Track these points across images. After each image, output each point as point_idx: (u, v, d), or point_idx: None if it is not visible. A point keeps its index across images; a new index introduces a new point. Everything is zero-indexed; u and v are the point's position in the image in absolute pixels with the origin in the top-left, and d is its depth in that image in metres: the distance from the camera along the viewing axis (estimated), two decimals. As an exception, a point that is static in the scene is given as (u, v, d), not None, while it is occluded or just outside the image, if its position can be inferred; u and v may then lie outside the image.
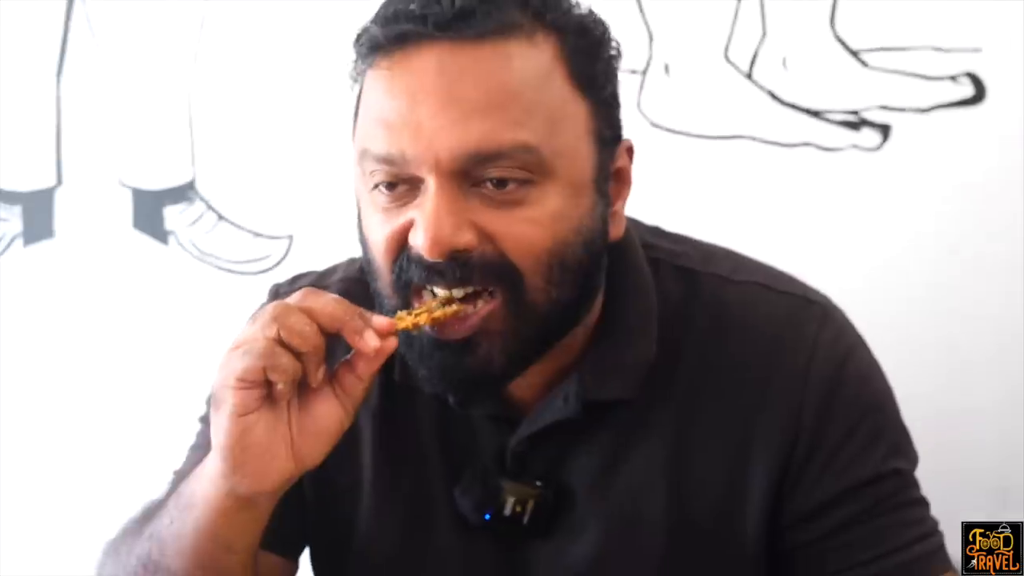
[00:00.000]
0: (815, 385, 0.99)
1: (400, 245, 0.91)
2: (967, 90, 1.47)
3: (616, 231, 0.97)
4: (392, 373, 1.04)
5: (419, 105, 0.87)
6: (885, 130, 1.51)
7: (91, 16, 1.70)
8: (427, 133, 0.87)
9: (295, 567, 1.13)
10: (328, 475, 1.04)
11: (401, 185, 0.89)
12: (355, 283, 1.10)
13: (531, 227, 0.89)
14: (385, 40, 0.88)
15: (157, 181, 1.74)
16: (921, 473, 1.23)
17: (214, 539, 0.94)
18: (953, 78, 1.47)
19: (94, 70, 1.72)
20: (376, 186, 0.90)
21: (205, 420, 1.10)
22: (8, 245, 1.75)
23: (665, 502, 1.00)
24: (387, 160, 0.88)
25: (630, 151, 0.99)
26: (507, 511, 1.01)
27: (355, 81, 0.95)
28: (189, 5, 1.66)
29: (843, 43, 1.51)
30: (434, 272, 0.89)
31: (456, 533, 1.04)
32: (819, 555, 0.99)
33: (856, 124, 1.52)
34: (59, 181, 1.74)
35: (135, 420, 1.64)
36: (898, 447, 1.02)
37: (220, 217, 1.71)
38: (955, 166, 1.47)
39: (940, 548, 1.02)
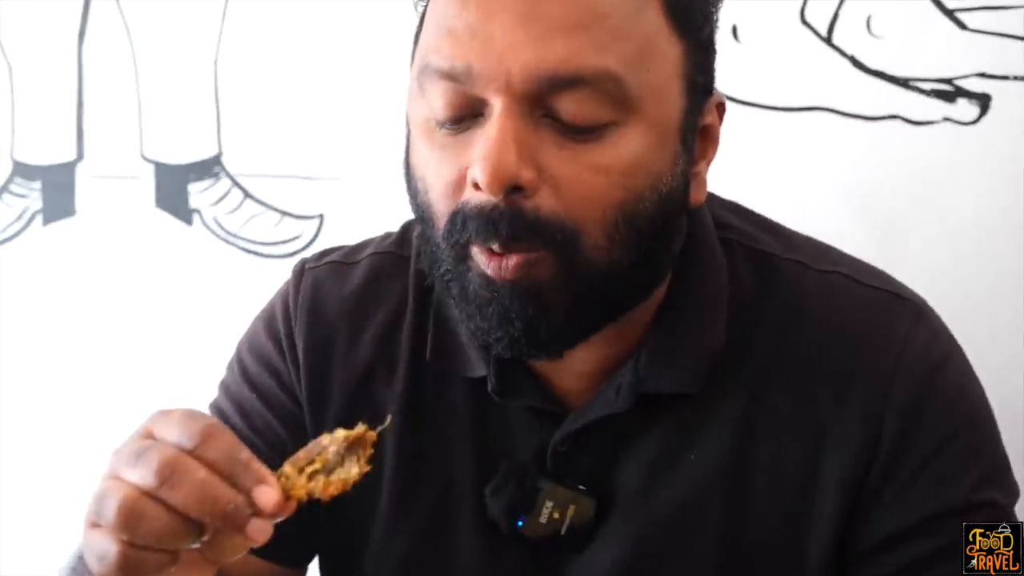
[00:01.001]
0: (902, 391, 0.92)
1: (460, 190, 0.85)
2: (1081, 55, 1.35)
3: (698, 195, 0.93)
4: (423, 352, 0.99)
5: (494, 17, 0.82)
6: (984, 101, 1.43)
7: (114, -23, 1.71)
8: (499, 47, 0.82)
9: (302, 574, 1.08)
10: None
11: (464, 121, 0.84)
12: (387, 258, 1.07)
13: (600, 176, 0.84)
14: None
15: (181, 155, 1.71)
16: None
17: None
18: (1064, 41, 1.36)
19: (117, 35, 1.68)
20: (439, 124, 0.85)
21: (216, 406, 1.09)
22: (28, 223, 1.74)
23: (720, 512, 0.95)
24: (450, 75, 0.83)
25: (721, 107, 0.94)
26: (543, 518, 0.96)
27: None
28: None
29: (936, 1, 1.43)
30: (489, 224, 0.83)
31: (481, 539, 0.99)
32: None
33: (950, 94, 1.44)
34: (80, 155, 1.72)
35: (155, 404, 1.63)
36: (995, 474, 0.96)
37: (247, 195, 1.68)
38: (1064, 142, 1.38)
39: None
